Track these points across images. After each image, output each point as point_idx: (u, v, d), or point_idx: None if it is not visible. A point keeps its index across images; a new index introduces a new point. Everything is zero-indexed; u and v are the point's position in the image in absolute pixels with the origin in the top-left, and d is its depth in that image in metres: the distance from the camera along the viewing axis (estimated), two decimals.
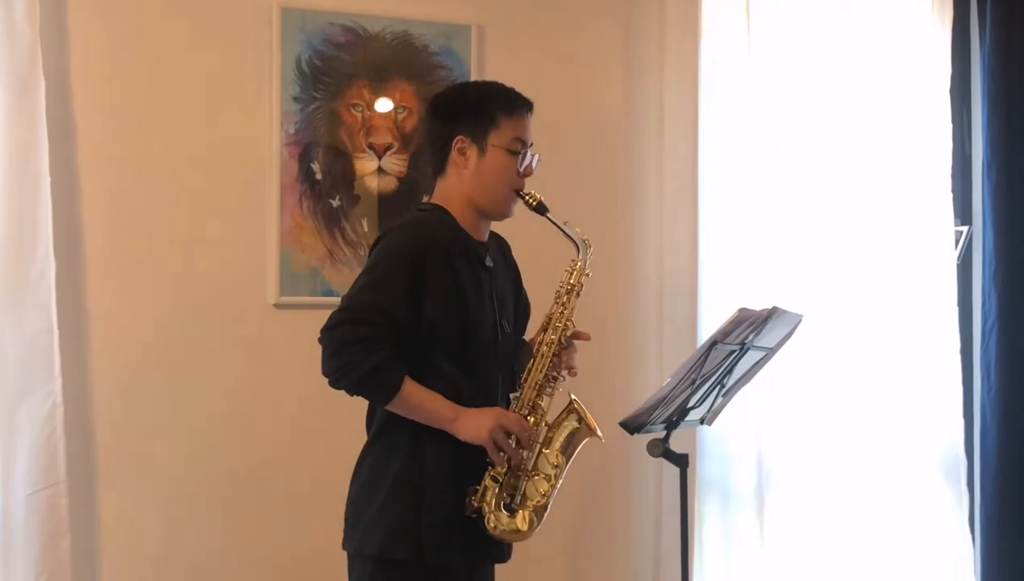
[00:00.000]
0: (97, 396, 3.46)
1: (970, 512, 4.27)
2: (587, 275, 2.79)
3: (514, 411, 2.71)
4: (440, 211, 2.76)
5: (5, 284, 3.27)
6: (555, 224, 2.75)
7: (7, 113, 3.27)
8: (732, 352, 2.92)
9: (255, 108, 3.62)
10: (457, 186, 2.76)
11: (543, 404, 2.74)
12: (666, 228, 4.06)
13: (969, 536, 4.25)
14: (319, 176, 3.67)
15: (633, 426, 2.92)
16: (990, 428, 4.29)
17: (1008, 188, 4.29)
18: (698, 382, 2.90)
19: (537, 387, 2.73)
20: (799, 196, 4.13)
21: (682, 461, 2.93)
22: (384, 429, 2.70)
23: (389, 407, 2.65)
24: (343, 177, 3.70)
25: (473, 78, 3.82)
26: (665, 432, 2.93)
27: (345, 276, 3.64)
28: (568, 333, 2.77)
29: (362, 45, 3.72)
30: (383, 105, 3.75)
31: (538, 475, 2.69)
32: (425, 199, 3.69)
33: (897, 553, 4.16)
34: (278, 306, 3.63)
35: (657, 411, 2.90)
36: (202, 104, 3.58)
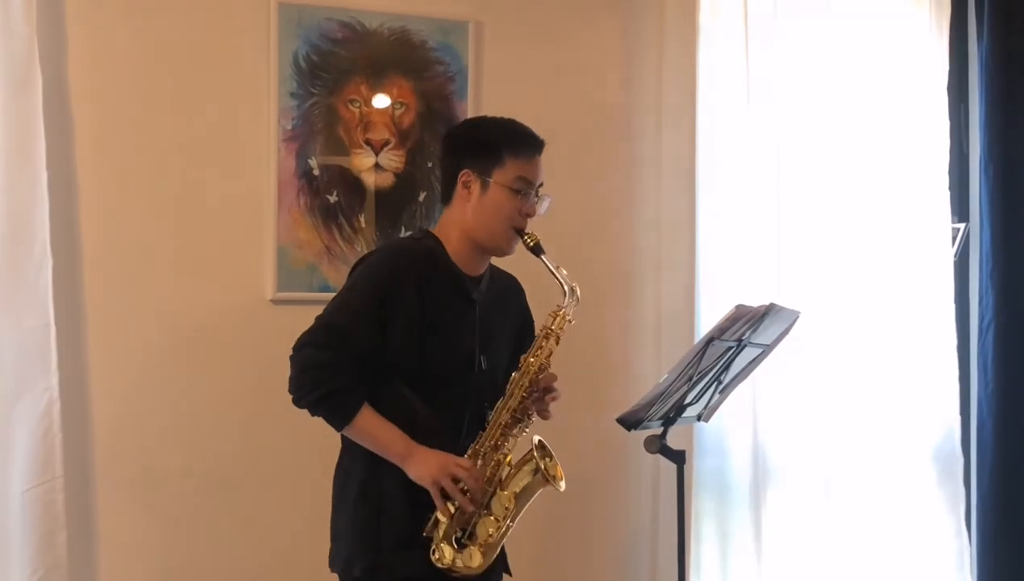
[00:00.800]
0: (94, 392, 3.45)
1: (966, 509, 4.28)
2: (569, 322, 2.79)
3: (476, 448, 2.71)
4: (431, 239, 2.79)
5: (2, 280, 3.26)
6: (547, 267, 2.76)
7: (5, 111, 3.26)
8: (729, 348, 2.92)
9: (252, 104, 3.61)
10: (459, 218, 2.78)
11: (507, 445, 2.74)
12: (664, 224, 4.07)
13: (965, 533, 4.26)
14: (316, 172, 3.66)
15: (630, 422, 2.91)
16: (986, 425, 4.30)
17: (1005, 185, 4.30)
18: (695, 378, 2.90)
19: (502, 427, 2.73)
20: (797, 193, 4.13)
21: (679, 457, 2.94)
22: (349, 445, 2.75)
23: (344, 432, 2.70)
24: (340, 173, 3.69)
25: (471, 74, 3.82)
26: (662, 428, 2.93)
27: (342, 272, 3.62)
28: (540, 376, 2.75)
29: (359, 41, 3.72)
30: (380, 101, 3.74)
31: (490, 515, 2.69)
32: (421, 197, 3.74)
33: (894, 549, 4.17)
34: (275, 302, 3.62)
35: (654, 407, 2.90)
36: (199, 100, 3.57)
